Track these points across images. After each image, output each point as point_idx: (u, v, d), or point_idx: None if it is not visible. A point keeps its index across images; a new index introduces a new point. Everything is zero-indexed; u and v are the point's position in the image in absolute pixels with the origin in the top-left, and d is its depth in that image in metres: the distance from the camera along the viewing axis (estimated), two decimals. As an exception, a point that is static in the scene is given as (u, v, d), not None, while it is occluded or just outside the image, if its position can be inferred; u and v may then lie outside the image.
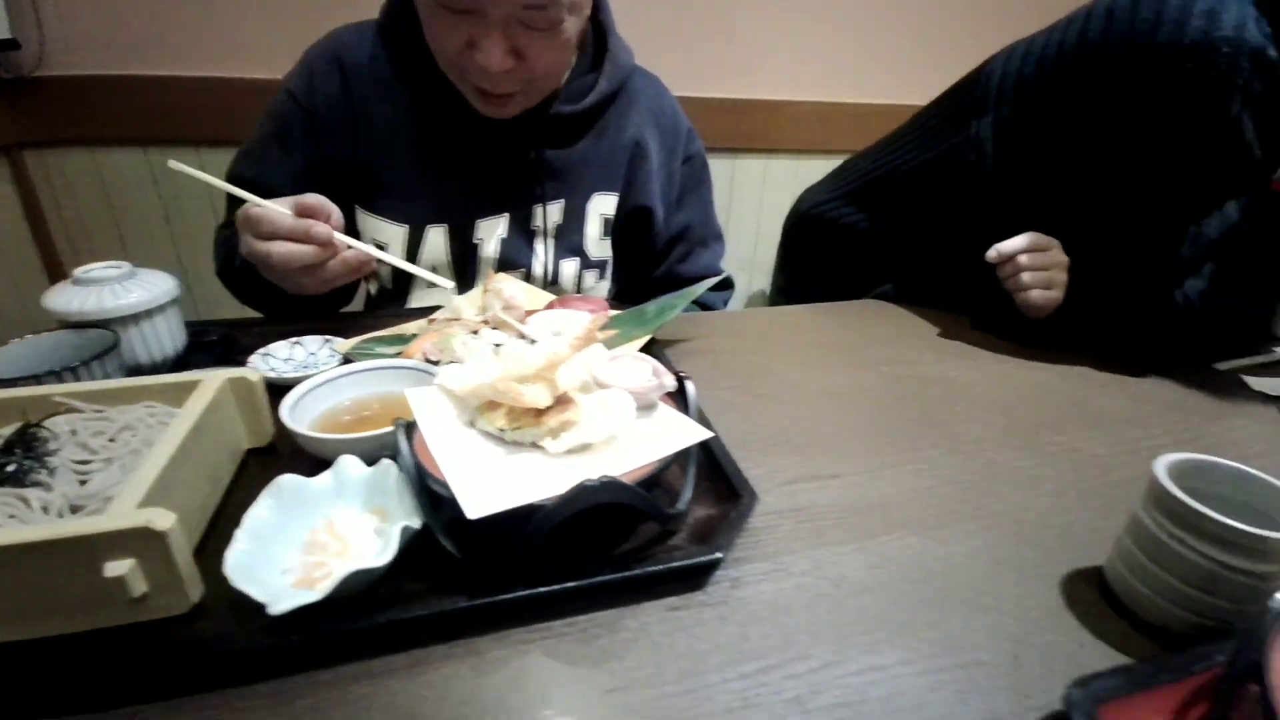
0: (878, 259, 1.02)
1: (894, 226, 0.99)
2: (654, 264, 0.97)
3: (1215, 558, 0.36)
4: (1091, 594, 0.43)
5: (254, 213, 0.62)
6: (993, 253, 0.77)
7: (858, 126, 1.46)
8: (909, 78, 1.52)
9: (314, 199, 0.64)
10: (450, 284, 0.70)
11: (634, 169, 0.88)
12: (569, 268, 0.88)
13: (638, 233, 0.92)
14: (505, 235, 0.85)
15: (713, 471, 0.50)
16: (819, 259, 1.14)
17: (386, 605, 0.36)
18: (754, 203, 1.60)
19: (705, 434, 0.43)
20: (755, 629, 0.39)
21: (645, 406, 0.47)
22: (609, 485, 0.36)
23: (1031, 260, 0.76)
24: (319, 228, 0.63)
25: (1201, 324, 0.77)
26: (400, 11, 0.75)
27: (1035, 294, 0.76)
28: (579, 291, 0.91)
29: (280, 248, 0.62)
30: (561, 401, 0.42)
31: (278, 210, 0.62)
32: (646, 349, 0.66)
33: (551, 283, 0.88)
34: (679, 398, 0.48)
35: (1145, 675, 0.34)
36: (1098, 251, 0.78)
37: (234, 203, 0.68)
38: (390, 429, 0.42)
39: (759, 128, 1.53)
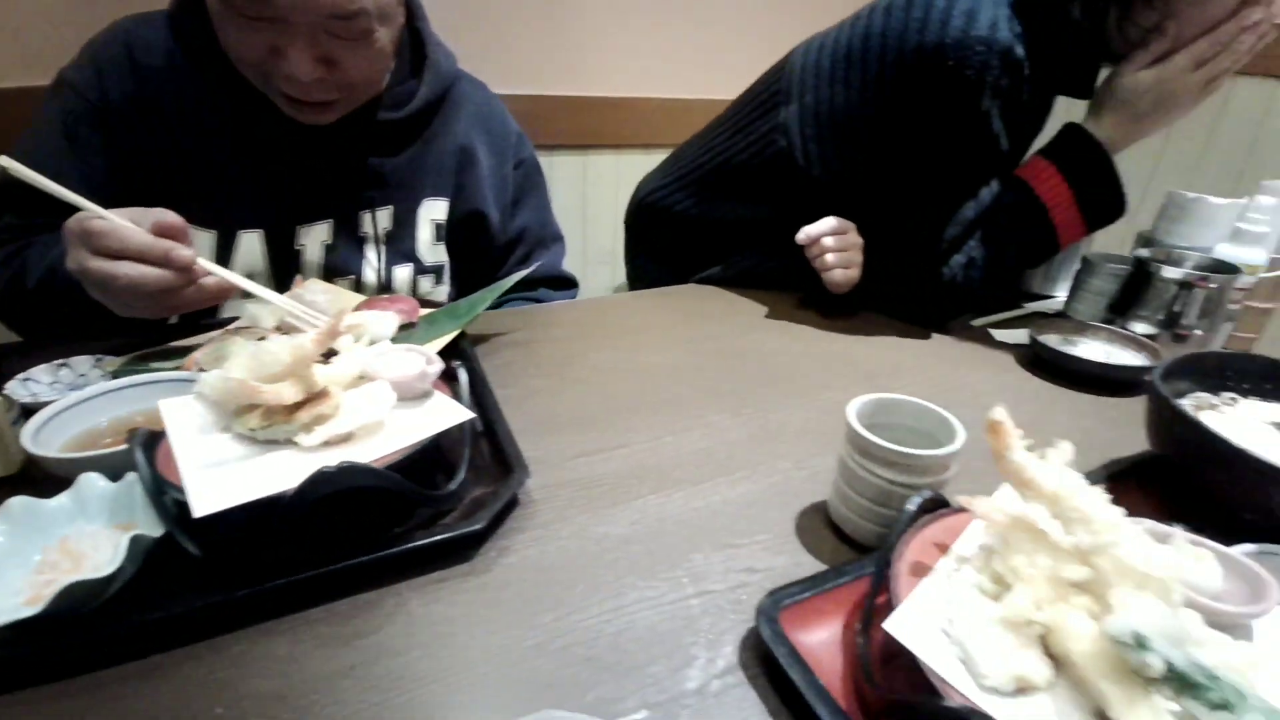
0: (709, 243, 1.08)
1: (721, 210, 1.05)
2: (493, 267, 0.98)
3: (885, 477, 0.42)
4: (818, 523, 0.49)
5: (97, 226, 0.54)
6: (801, 235, 0.85)
7: (705, 120, 1.54)
8: (745, 71, 1.61)
9: (174, 218, 0.57)
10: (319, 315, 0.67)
11: (463, 174, 0.90)
12: (402, 274, 0.88)
13: (473, 237, 0.93)
14: (330, 241, 0.83)
15: (495, 452, 0.53)
16: (657, 245, 1.19)
17: (121, 614, 0.36)
18: (610, 198, 1.65)
19: (464, 415, 0.46)
20: (512, 590, 0.42)
21: (418, 395, 0.49)
22: (346, 470, 0.38)
23: (834, 242, 0.85)
24: (181, 251, 0.56)
25: (964, 292, 0.89)
26: (190, 4, 0.72)
27: (838, 273, 0.85)
28: (415, 297, 0.91)
29: (130, 269, 0.54)
30: (316, 396, 0.43)
31: (128, 226, 0.55)
32: (456, 343, 0.67)
33: (385, 289, 0.87)
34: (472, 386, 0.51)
35: (821, 580, 0.40)
36: (884, 231, 0.87)
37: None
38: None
39: (609, 124, 1.58)
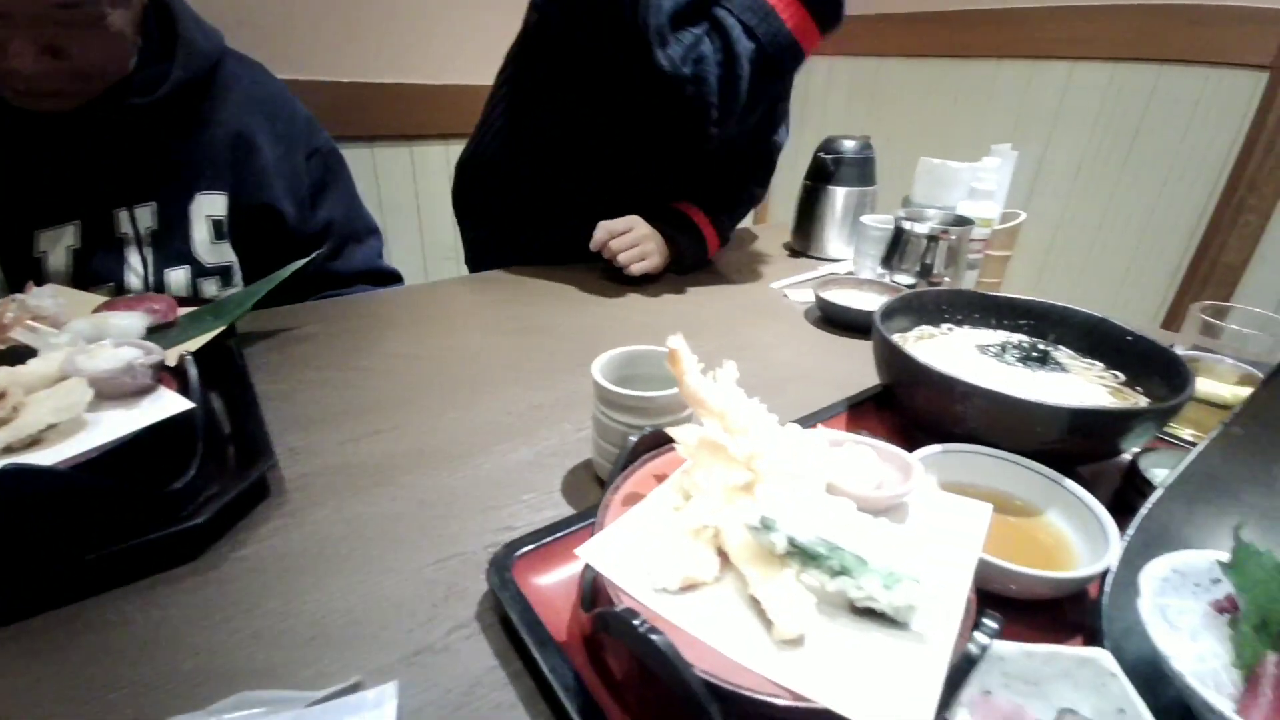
0: (529, 195, 1.04)
1: (527, 167, 1.02)
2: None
3: (625, 422, 0.45)
4: (585, 478, 0.51)
5: None
6: (592, 245, 0.87)
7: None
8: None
9: None
10: None
11: (242, 164, 0.83)
12: (178, 277, 0.80)
13: (264, 233, 0.86)
14: (78, 246, 0.74)
15: (243, 446, 0.49)
16: (484, 210, 1.13)
17: None
18: (444, 190, 1.59)
19: (182, 407, 0.42)
20: (241, 584, 0.40)
21: (131, 391, 0.45)
22: (11, 474, 0.34)
23: (618, 243, 0.88)
24: None
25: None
26: None
27: (636, 266, 0.89)
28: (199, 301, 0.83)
29: None
30: (-13, 400, 0.38)
31: None
32: (222, 339, 0.62)
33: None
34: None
35: (558, 527, 0.41)
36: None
37: None
38: None
39: (437, 113, 1.53)
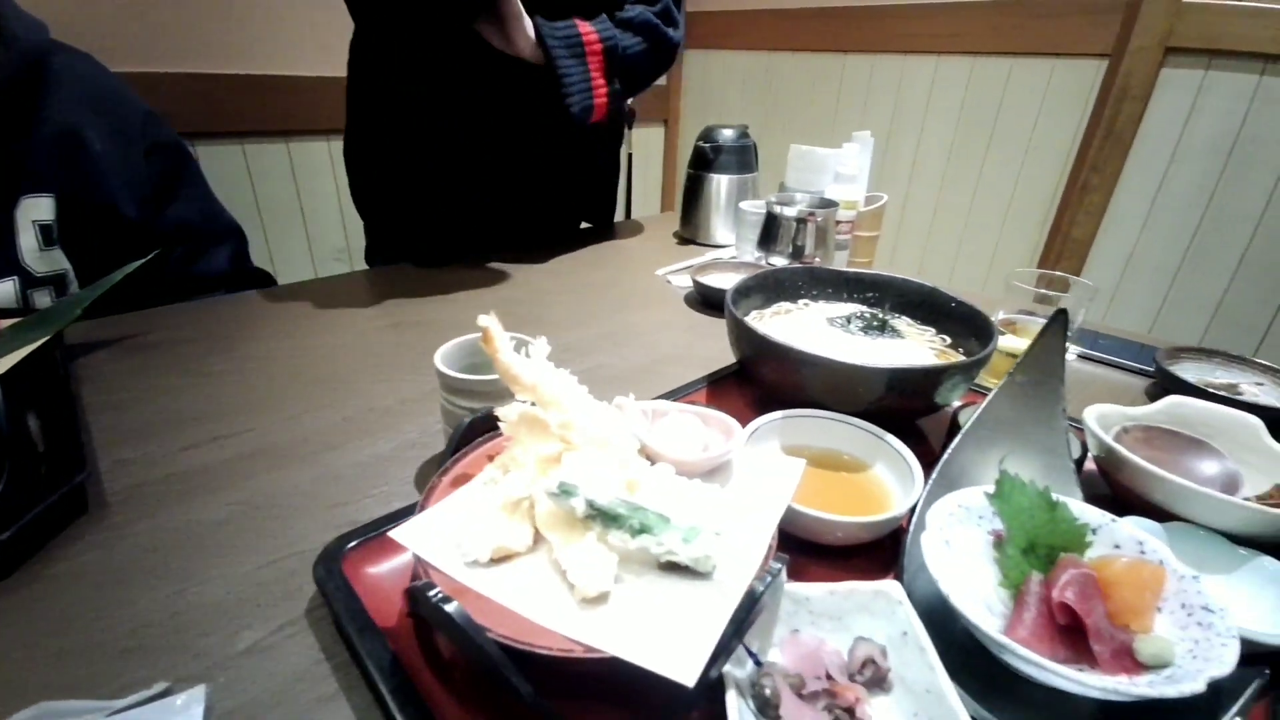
0: (414, 190, 0.99)
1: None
2: (150, 269, 0.85)
3: (466, 406, 0.45)
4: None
5: None
6: None
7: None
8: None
9: None
10: None
11: (71, 164, 0.76)
12: (5, 288, 0.73)
13: (103, 237, 0.80)
14: None
15: (61, 459, 0.46)
16: (379, 204, 1.08)
17: None
18: (329, 188, 1.53)
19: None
20: (47, 603, 0.37)
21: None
22: None
23: None
24: None
25: None
26: None
27: None
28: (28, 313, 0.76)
29: None
30: None
31: None
32: (48, 350, 0.58)
33: None
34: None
35: (393, 518, 0.41)
36: None
37: None
38: None
39: (314, 107, 1.46)
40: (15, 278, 0.74)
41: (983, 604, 0.34)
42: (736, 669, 0.31)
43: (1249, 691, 0.29)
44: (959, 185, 1.69)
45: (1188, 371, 0.67)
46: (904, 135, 1.75)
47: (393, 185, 0.99)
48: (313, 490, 0.48)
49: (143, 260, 0.69)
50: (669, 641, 0.28)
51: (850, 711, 0.31)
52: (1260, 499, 0.44)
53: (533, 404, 0.36)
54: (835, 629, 0.36)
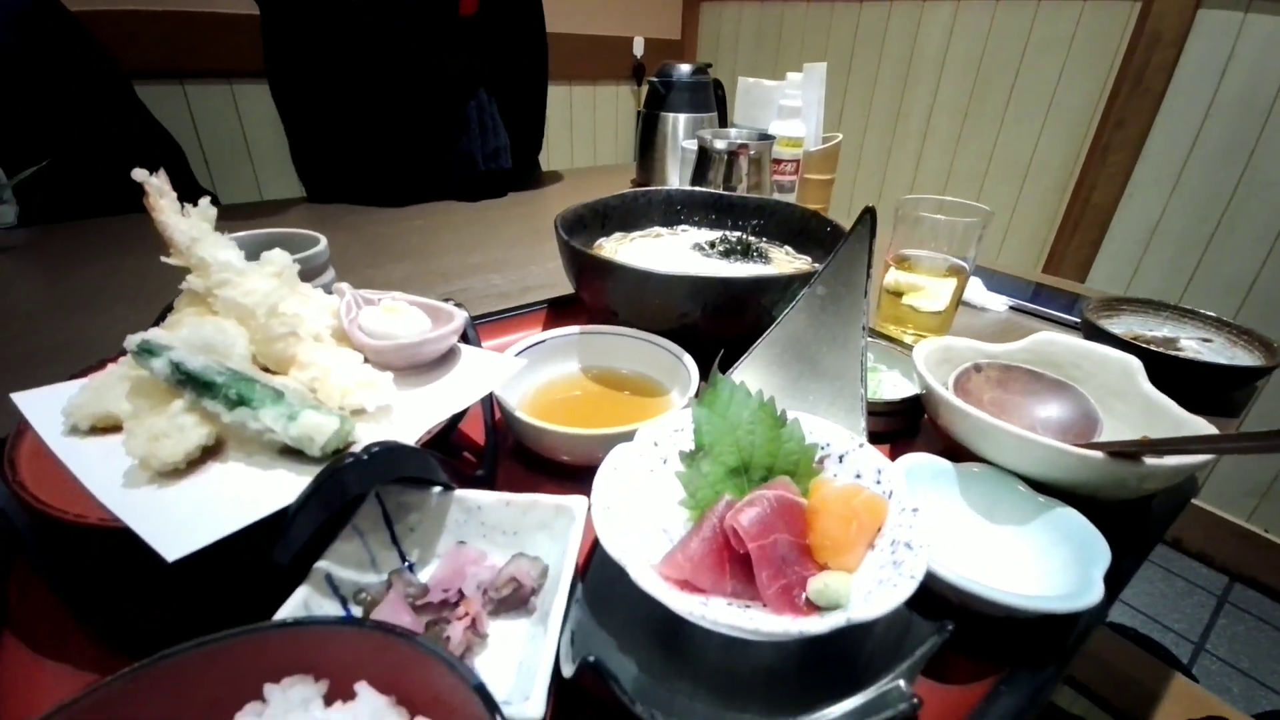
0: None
1: None
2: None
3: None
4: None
5: None
6: None
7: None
8: None
9: None
10: None
11: None
12: None
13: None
14: None
15: None
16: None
17: None
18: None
19: None
20: None
21: None
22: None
23: None
24: None
25: None
26: None
27: None
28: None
29: None
30: None
31: None
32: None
33: None
34: None
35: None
36: None
37: None
38: None
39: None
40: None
41: (659, 527, 0.29)
42: (340, 566, 0.27)
43: (921, 650, 0.22)
44: (974, 145, 1.55)
45: (1119, 325, 0.57)
46: (916, 90, 1.62)
47: (310, 126, 0.95)
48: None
49: (36, 167, 0.69)
50: (195, 517, 0.24)
51: (474, 625, 0.27)
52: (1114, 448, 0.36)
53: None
54: (510, 544, 0.31)
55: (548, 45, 1.06)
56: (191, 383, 0.27)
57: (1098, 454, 0.30)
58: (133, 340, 0.27)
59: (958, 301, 0.56)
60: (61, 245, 0.74)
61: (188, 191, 0.98)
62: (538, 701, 0.21)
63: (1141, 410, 0.39)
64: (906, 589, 0.23)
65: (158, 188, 0.32)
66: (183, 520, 0.24)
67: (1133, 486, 0.32)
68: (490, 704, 0.17)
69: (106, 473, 0.26)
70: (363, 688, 0.18)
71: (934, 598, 0.28)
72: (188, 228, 0.31)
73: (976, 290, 0.68)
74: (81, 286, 0.62)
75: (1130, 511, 0.36)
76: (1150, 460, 0.30)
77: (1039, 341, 0.43)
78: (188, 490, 0.26)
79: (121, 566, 0.25)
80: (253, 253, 0.44)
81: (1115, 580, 0.30)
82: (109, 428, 0.29)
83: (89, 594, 0.25)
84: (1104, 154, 1.32)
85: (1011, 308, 0.67)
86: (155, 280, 0.59)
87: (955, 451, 0.37)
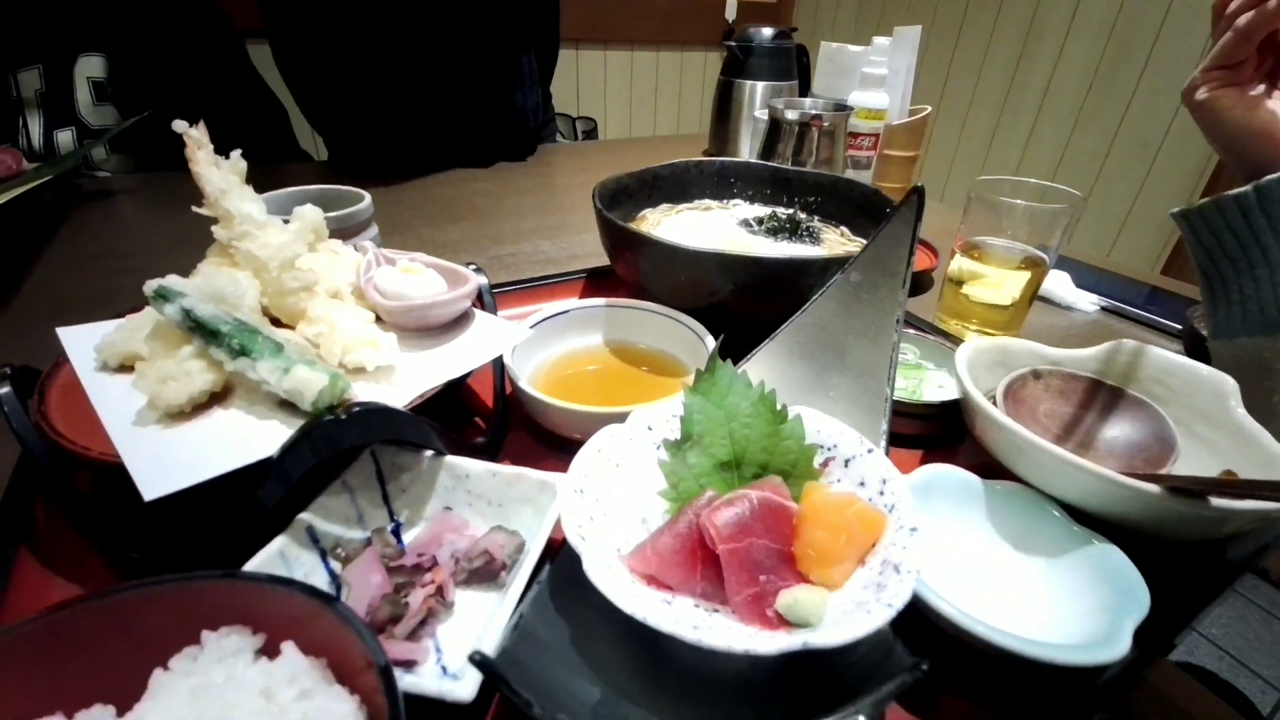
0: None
1: None
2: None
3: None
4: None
5: None
6: None
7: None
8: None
9: None
10: None
11: (124, 27, 0.84)
12: (65, 138, 0.84)
13: (154, 99, 0.88)
14: None
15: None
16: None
17: None
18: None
19: None
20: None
21: None
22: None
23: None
24: None
25: None
26: None
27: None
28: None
29: None
30: None
31: None
32: (39, 191, 0.65)
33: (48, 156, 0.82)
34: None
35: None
36: None
37: None
38: None
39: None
40: (73, 128, 0.84)
41: (638, 516, 0.28)
42: (323, 519, 0.28)
43: (887, 687, 0.20)
44: (1098, 123, 1.38)
45: (1231, 337, 0.49)
46: (1035, 61, 1.46)
47: (325, 90, 0.97)
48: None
49: (137, 117, 0.75)
50: (184, 459, 0.25)
51: (440, 593, 0.27)
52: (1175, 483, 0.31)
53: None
54: (495, 515, 0.31)
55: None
56: (200, 330, 0.28)
57: (1153, 487, 0.26)
58: (151, 285, 0.28)
59: (1030, 297, 0.50)
60: (161, 190, 0.80)
61: (288, 152, 1.06)
62: (470, 683, 0.21)
63: (1230, 439, 0.33)
64: (879, 617, 0.21)
65: (197, 139, 0.33)
66: (172, 462, 0.25)
67: (1201, 529, 0.27)
68: (391, 689, 0.16)
69: (122, 409, 0.28)
70: (288, 647, 0.18)
71: (931, 628, 0.25)
72: (219, 180, 0.33)
73: (1063, 286, 0.60)
74: (173, 229, 0.67)
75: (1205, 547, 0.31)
76: (1219, 502, 0.26)
77: (1115, 350, 0.38)
78: (189, 433, 0.27)
79: (116, 499, 0.26)
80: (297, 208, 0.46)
81: (1163, 630, 0.26)
82: (135, 366, 0.31)
83: (93, 520, 0.27)
84: (1256, 137, 1.14)
85: (1103, 308, 0.59)
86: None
87: (996, 467, 0.33)
